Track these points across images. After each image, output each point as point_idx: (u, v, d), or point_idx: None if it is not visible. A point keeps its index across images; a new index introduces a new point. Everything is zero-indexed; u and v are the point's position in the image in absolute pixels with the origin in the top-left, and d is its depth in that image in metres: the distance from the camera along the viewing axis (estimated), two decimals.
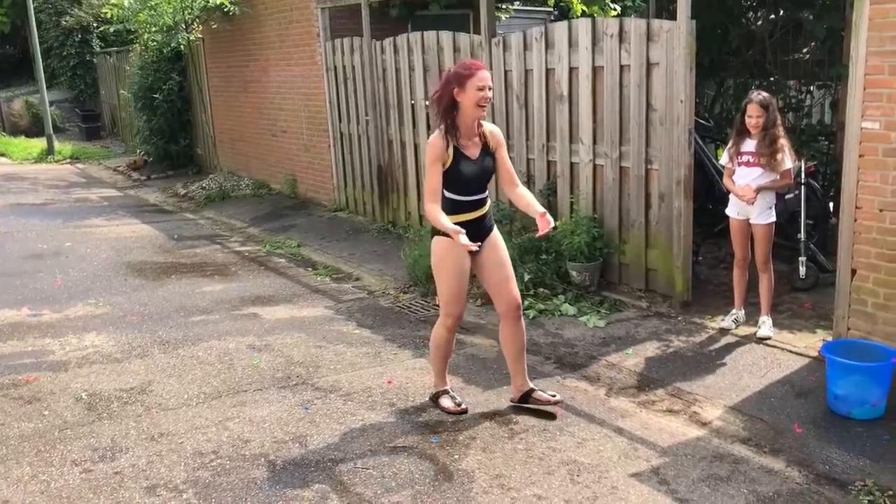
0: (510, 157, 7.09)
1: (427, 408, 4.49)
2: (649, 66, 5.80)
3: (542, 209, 4.09)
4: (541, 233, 4.10)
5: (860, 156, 4.61)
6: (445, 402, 4.45)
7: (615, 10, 9.00)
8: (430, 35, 7.96)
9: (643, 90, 5.87)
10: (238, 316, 6.27)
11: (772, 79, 7.76)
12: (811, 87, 7.97)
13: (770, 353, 5.02)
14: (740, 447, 3.95)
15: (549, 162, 6.86)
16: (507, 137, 7.19)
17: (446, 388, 4.51)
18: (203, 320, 6.16)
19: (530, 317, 5.91)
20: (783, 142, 5.14)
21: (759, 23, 7.60)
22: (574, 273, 6.37)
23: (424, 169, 4.32)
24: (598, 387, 4.74)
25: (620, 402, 4.52)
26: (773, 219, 5.24)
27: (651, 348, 5.25)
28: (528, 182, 7.05)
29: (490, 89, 4.03)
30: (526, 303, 6.08)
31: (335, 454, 3.98)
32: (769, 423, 4.18)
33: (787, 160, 5.13)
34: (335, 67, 9.70)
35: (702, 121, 7.17)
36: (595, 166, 6.43)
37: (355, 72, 9.29)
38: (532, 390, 4.44)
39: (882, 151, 4.51)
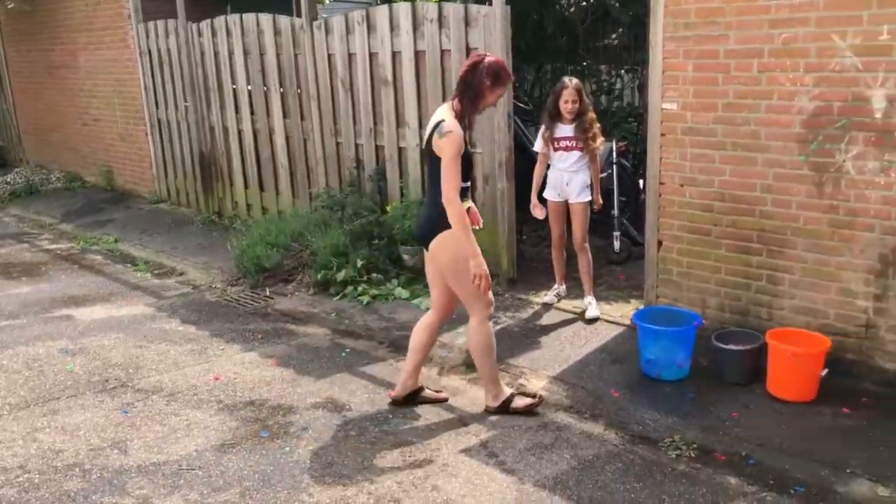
0: (338, 143, 7.13)
1: (256, 402, 4.37)
2: (469, 50, 5.90)
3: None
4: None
5: (662, 135, 4.94)
6: (521, 401, 4.18)
7: None
8: (250, 17, 7.70)
9: None
10: (49, 319, 5.82)
11: (584, 63, 8.14)
12: (620, 72, 8.44)
13: (589, 324, 5.29)
14: (563, 415, 4.14)
15: (377, 146, 6.84)
16: (334, 122, 7.12)
17: (510, 390, 4.24)
18: (8, 325, 5.67)
19: (364, 303, 5.90)
20: (598, 126, 5.34)
21: (572, 9, 7.94)
22: (406, 257, 6.41)
23: (443, 159, 3.77)
24: (430, 367, 4.81)
25: (452, 381, 4.61)
26: (590, 198, 5.48)
27: None
28: (358, 167, 7.02)
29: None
30: (360, 288, 6.07)
31: (158, 457, 3.79)
32: (589, 390, 4.41)
33: (601, 143, 5.39)
34: (150, 51, 9.17)
35: (521, 104, 7.41)
36: (422, 150, 6.47)
37: (171, 56, 8.83)
38: (422, 387, 4.35)
39: (680, 130, 4.84)
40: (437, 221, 3.89)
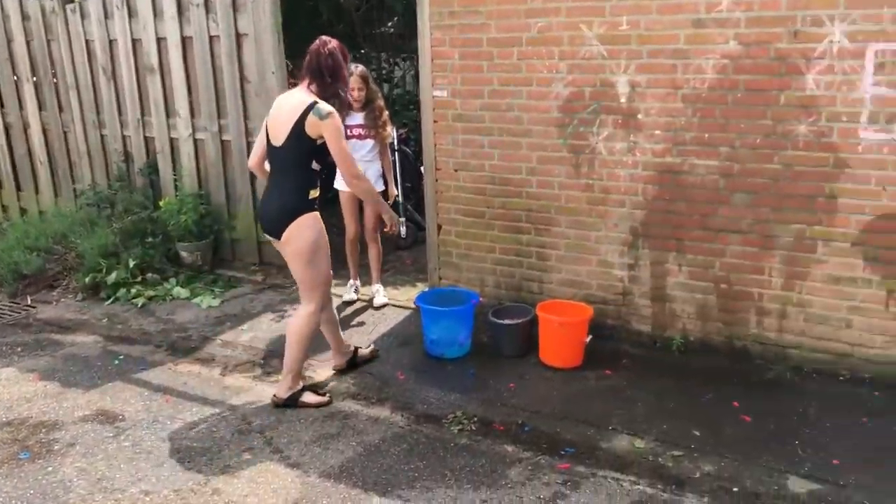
0: (103, 135, 6.64)
1: (14, 422, 3.98)
2: (238, 36, 5.72)
3: None
4: None
5: (434, 122, 5.07)
6: (312, 397, 4.12)
7: None
8: None
9: (235, 61, 5.78)
10: None
11: (362, 51, 8.17)
12: (398, 60, 8.56)
13: (378, 310, 5.34)
14: (350, 403, 4.15)
15: (146, 138, 6.45)
16: (97, 113, 6.63)
17: (302, 384, 4.16)
18: None
19: (139, 305, 5.57)
20: (387, 113, 5.30)
21: None
22: (184, 254, 6.12)
23: (332, 145, 3.81)
24: (212, 367, 4.63)
25: (236, 380, 4.47)
26: (383, 188, 5.35)
27: (266, 321, 5.27)
28: (127, 161, 6.58)
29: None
30: (134, 290, 5.73)
31: None
32: (376, 375, 4.45)
33: (393, 131, 5.38)
34: None
35: None
36: (196, 141, 6.20)
37: None
38: (356, 348, 4.54)
39: (452, 117, 5.00)
40: (291, 208, 3.88)
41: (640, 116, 4.37)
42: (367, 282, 5.64)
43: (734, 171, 4.18)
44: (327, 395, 4.18)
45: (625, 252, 4.60)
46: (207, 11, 5.78)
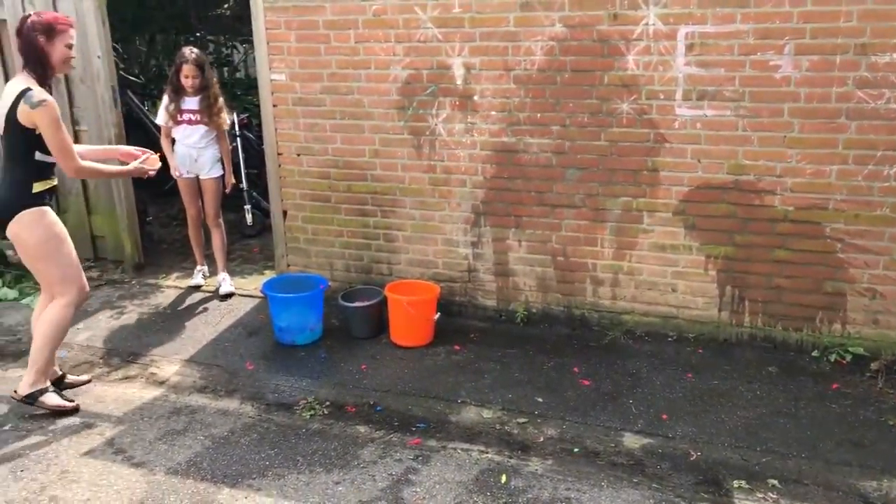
0: None
1: None
2: None
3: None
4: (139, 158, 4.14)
5: (274, 105, 4.99)
6: (53, 398, 3.84)
7: None
8: None
9: None
10: None
11: (198, 34, 7.89)
12: (235, 43, 8.33)
13: (224, 300, 5.21)
14: (197, 397, 4.05)
15: None
16: None
17: (48, 384, 3.88)
18: None
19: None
20: (222, 100, 5.18)
21: None
22: (11, 252, 5.69)
23: (46, 135, 3.55)
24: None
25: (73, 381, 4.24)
26: (222, 172, 5.30)
27: (104, 318, 5.03)
28: None
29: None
30: None
31: None
32: (224, 367, 4.35)
33: (227, 118, 5.25)
34: None
35: (131, 77, 6.96)
36: None
37: None
38: (64, 374, 4.16)
39: (292, 101, 4.93)
40: (9, 204, 3.65)
41: (476, 98, 4.49)
42: (213, 272, 5.50)
43: (565, 148, 4.39)
44: (74, 401, 3.91)
45: (468, 230, 4.73)
46: None
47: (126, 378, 4.27)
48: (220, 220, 5.38)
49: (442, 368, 4.26)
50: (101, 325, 4.92)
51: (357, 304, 4.63)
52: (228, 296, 5.28)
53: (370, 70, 4.67)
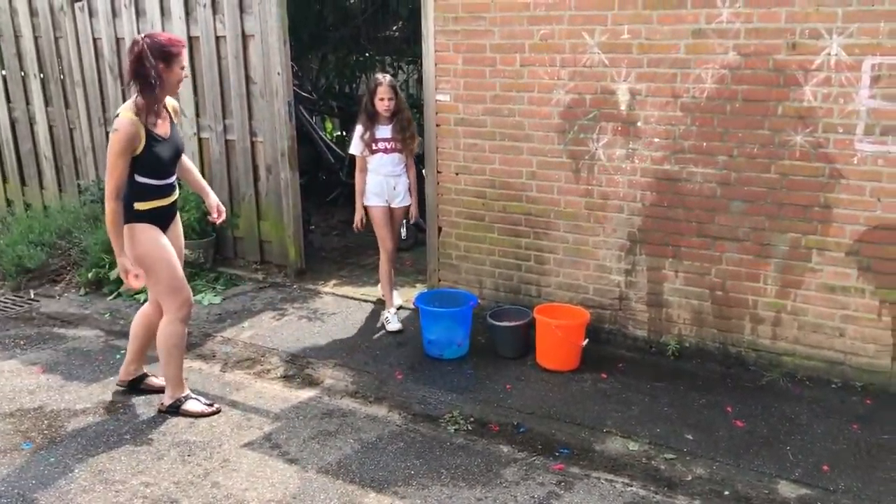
0: (107, 133, 6.70)
1: (17, 413, 4.04)
2: (245, 37, 5.79)
3: (215, 198, 4.29)
4: (217, 222, 4.32)
5: (437, 125, 5.13)
6: (196, 405, 4.03)
7: None
8: None
9: (241, 62, 5.84)
10: None
11: (367, 54, 8.25)
12: (402, 64, 8.63)
13: (377, 311, 5.39)
14: (348, 401, 4.21)
15: None
16: (103, 110, 6.70)
17: (188, 392, 4.09)
18: None
19: (141, 301, 5.61)
20: (414, 125, 5.05)
21: (352, 1, 8.01)
22: (187, 251, 6.15)
23: (109, 157, 3.63)
24: (212, 364, 4.69)
25: (236, 376, 4.52)
26: (408, 202, 5.15)
27: (266, 319, 5.33)
28: None
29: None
30: None
31: None
32: (375, 374, 4.51)
33: (418, 145, 5.09)
34: None
35: (304, 93, 7.37)
36: (200, 139, 6.26)
37: None
38: (146, 375, 4.32)
39: (454, 121, 5.06)
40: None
41: (639, 124, 4.43)
42: (365, 281, 5.69)
43: (731, 179, 4.25)
44: (215, 404, 4.09)
45: (622, 257, 4.66)
46: (214, 12, 5.85)
47: (284, 377, 4.50)
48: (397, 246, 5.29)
49: (588, 395, 4.21)
50: (263, 325, 5.22)
51: (505, 323, 4.66)
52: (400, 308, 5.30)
53: (533, 93, 4.72)
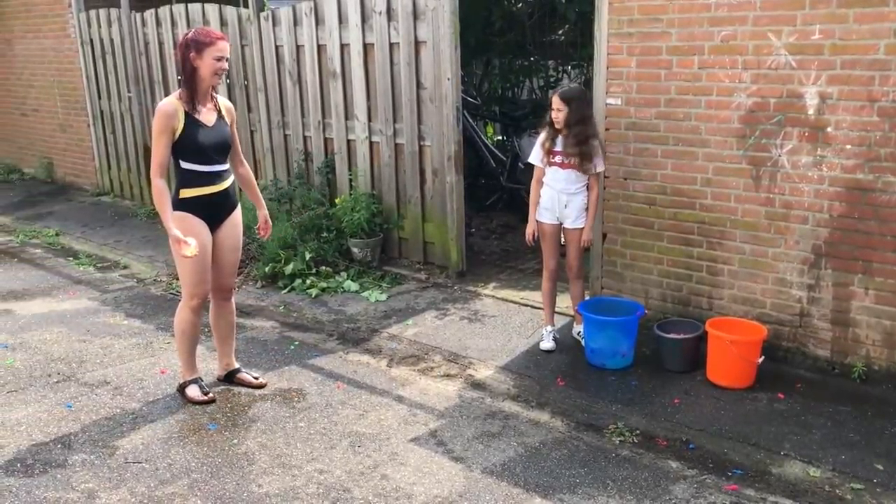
0: (286, 135, 7.09)
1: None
2: (417, 44, 5.94)
3: (266, 212, 4.48)
4: (263, 236, 4.58)
5: (606, 130, 5.03)
6: (192, 391, 4.27)
7: None
8: (196, 7, 7.59)
9: (413, 68, 6.00)
10: None
11: (532, 59, 8.24)
12: (567, 67, 8.56)
13: (536, 314, 5.37)
14: (510, 403, 4.21)
15: (325, 139, 6.82)
16: (282, 115, 7.08)
17: (196, 376, 4.33)
18: None
19: (312, 295, 5.89)
20: (595, 142, 4.65)
21: (519, 5, 8.03)
22: (356, 250, 6.42)
23: (152, 137, 3.94)
24: (379, 359, 4.83)
25: (401, 372, 4.64)
26: (581, 224, 4.75)
27: (429, 318, 5.44)
28: (307, 160, 6.99)
29: (227, 60, 3.97)
30: (308, 281, 6.07)
31: (103, 451, 3.74)
32: (536, 378, 4.49)
33: (600, 163, 4.71)
34: (91, 40, 8.98)
35: (470, 98, 7.47)
36: (371, 143, 6.49)
37: (114, 45, 8.65)
38: (238, 370, 4.51)
39: (624, 125, 4.95)
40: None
41: (829, 130, 4.15)
42: (524, 285, 5.66)
43: None
44: (209, 394, 4.26)
45: (805, 271, 4.39)
46: (389, 19, 6.04)
47: (447, 376, 4.57)
48: (583, 270, 4.95)
49: (763, 416, 3.98)
50: (427, 324, 5.33)
51: (674, 335, 4.51)
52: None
53: (711, 97, 4.53)
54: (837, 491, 3.34)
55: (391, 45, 6.10)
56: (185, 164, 3.96)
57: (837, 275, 4.28)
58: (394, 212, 6.47)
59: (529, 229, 4.87)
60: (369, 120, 6.43)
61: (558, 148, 4.66)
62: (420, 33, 5.90)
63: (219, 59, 3.88)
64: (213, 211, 4.07)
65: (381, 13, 6.07)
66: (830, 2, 4.03)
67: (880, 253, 4.12)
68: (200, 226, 4.01)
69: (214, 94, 4.05)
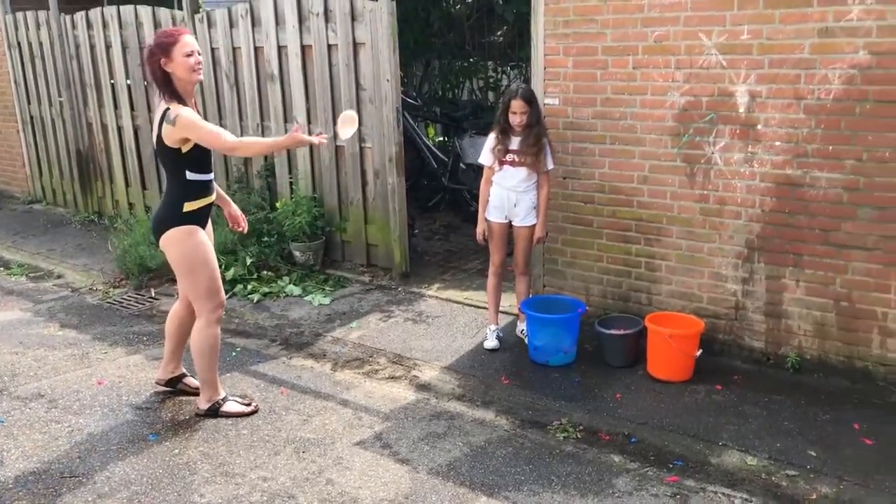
0: None
1: (143, 406, 4.24)
2: (356, 45, 5.91)
3: (236, 206, 4.37)
4: (243, 230, 4.43)
5: (545, 135, 5.07)
6: (235, 406, 4.11)
7: None
8: (128, 9, 7.41)
9: (352, 69, 5.97)
10: None
11: (471, 59, 8.29)
12: (506, 68, 8.63)
13: (480, 314, 5.40)
14: (455, 403, 4.22)
15: None
16: (220, 118, 6.96)
17: (225, 393, 4.16)
18: None
19: (254, 300, 5.81)
20: (546, 140, 4.73)
21: (458, 6, 8.06)
22: (298, 253, 6.35)
23: (193, 135, 3.67)
24: (323, 363, 4.79)
25: (346, 375, 4.61)
26: (533, 221, 4.80)
27: (374, 320, 5.42)
28: (246, 163, 6.89)
29: (199, 53, 3.77)
30: (250, 286, 5.98)
31: (37, 467, 3.63)
32: (480, 378, 4.51)
33: (549, 160, 4.72)
34: (19, 43, 8.71)
35: (410, 100, 7.47)
36: (311, 146, 6.42)
37: (43, 49, 8.40)
38: (183, 375, 4.40)
39: (562, 125, 5.01)
40: (164, 218, 3.87)
41: (759, 127, 4.27)
42: (468, 285, 5.69)
43: (860, 185, 4.03)
44: (252, 403, 4.16)
45: (739, 265, 4.50)
46: (327, 21, 6.00)
47: (392, 378, 4.56)
48: (529, 270, 5.04)
49: (702, 407, 4.08)
50: (371, 326, 5.30)
51: (614, 331, 4.58)
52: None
53: (646, 96, 4.62)
54: (773, 478, 3.43)
55: (329, 46, 6.06)
56: (191, 176, 3.81)
57: (770, 268, 4.41)
58: (336, 214, 6.43)
59: (480, 228, 4.88)
60: (309, 122, 6.37)
61: (515, 147, 4.66)
62: (358, 35, 5.87)
63: (189, 55, 3.67)
64: (204, 220, 3.97)
65: (318, 14, 6.02)
66: (757, 3, 4.15)
67: (810, 246, 4.25)
68: (204, 236, 3.93)
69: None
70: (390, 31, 5.68)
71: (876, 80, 3.89)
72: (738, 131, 4.35)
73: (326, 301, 5.79)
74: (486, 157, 4.79)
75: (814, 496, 3.29)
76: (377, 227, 6.25)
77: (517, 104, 4.55)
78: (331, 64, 6.10)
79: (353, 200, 6.30)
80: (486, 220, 4.86)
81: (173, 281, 6.29)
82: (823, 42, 3.99)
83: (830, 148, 4.08)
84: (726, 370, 4.46)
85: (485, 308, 5.31)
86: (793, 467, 3.50)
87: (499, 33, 8.51)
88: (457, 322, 5.34)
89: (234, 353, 4.94)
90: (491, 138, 4.75)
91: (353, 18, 5.85)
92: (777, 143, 4.24)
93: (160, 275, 6.36)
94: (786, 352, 4.43)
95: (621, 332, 4.56)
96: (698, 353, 4.34)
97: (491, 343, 4.90)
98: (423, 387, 4.43)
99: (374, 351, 4.93)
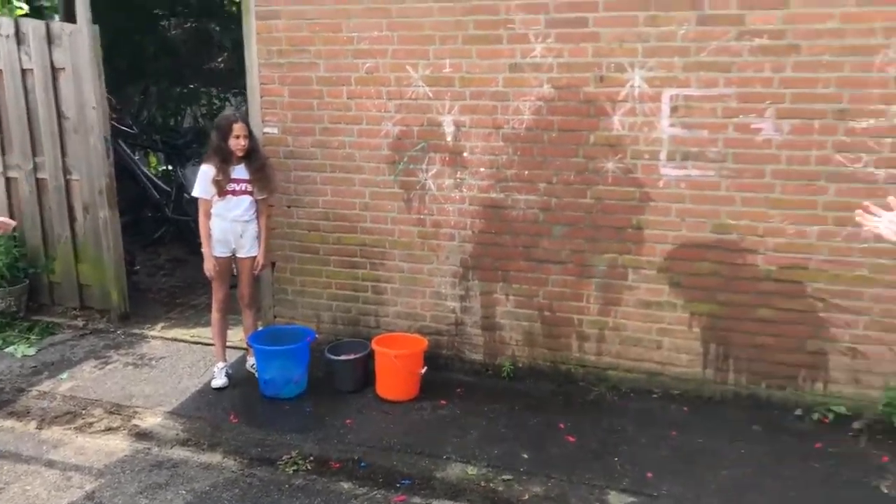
0: None
1: None
2: (55, 70, 5.45)
3: None
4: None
5: (267, 159, 5.02)
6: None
7: (22, 8, 8.28)
8: None
9: (51, 96, 5.49)
10: None
11: (192, 86, 7.99)
12: (229, 95, 8.44)
13: (208, 352, 5.18)
14: (180, 450, 4.00)
15: None
16: None
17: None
18: None
19: None
20: (271, 167, 4.73)
21: (174, 31, 7.75)
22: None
23: None
24: (27, 421, 4.31)
25: (54, 433, 4.19)
26: (255, 252, 4.70)
27: (88, 368, 4.99)
28: None
29: None
30: None
31: None
32: (207, 419, 4.32)
33: (274, 186, 4.74)
34: None
35: (125, 127, 7.03)
36: (8, 179, 5.80)
37: None
38: None
39: (283, 154, 5.00)
40: None
41: (465, 154, 4.57)
42: (196, 322, 5.46)
43: (552, 205, 4.46)
44: None
45: (456, 284, 4.76)
46: (19, 43, 5.47)
47: (108, 430, 4.22)
48: (256, 301, 4.92)
49: (428, 423, 4.24)
50: (85, 375, 4.88)
51: (343, 357, 4.62)
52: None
53: (362, 125, 4.75)
54: (491, 484, 3.65)
55: (24, 71, 5.53)
56: None
57: (483, 285, 4.71)
58: (41, 254, 5.85)
59: (209, 264, 4.64)
60: (3, 153, 5.75)
61: (238, 176, 4.53)
62: (57, 58, 5.41)
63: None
64: None
65: (8, 36, 5.47)
66: (457, 38, 4.44)
67: (515, 262, 4.61)
68: None
69: None
70: (93, 55, 5.30)
71: (558, 111, 4.33)
72: (447, 158, 4.61)
73: (31, 351, 5.23)
74: (203, 190, 4.57)
75: (526, 496, 3.55)
76: (90, 266, 5.77)
77: (239, 127, 4.44)
78: (27, 90, 5.56)
79: (61, 238, 5.77)
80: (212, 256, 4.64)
81: None
82: (514, 76, 4.37)
83: (526, 172, 4.47)
84: (450, 384, 4.68)
85: (213, 345, 5.11)
86: (508, 471, 3.75)
87: (220, 60, 8.30)
88: (183, 362, 5.08)
89: None
90: (208, 169, 4.54)
91: (50, 41, 5.39)
92: (482, 169, 4.55)
93: None
94: (501, 361, 4.76)
95: (350, 356, 4.61)
96: (423, 370, 4.52)
97: (219, 381, 4.71)
98: (144, 435, 4.15)
99: (89, 402, 4.53)
